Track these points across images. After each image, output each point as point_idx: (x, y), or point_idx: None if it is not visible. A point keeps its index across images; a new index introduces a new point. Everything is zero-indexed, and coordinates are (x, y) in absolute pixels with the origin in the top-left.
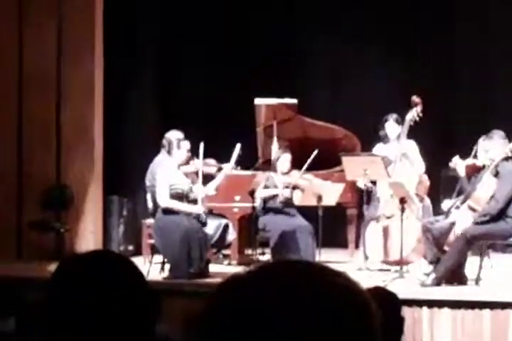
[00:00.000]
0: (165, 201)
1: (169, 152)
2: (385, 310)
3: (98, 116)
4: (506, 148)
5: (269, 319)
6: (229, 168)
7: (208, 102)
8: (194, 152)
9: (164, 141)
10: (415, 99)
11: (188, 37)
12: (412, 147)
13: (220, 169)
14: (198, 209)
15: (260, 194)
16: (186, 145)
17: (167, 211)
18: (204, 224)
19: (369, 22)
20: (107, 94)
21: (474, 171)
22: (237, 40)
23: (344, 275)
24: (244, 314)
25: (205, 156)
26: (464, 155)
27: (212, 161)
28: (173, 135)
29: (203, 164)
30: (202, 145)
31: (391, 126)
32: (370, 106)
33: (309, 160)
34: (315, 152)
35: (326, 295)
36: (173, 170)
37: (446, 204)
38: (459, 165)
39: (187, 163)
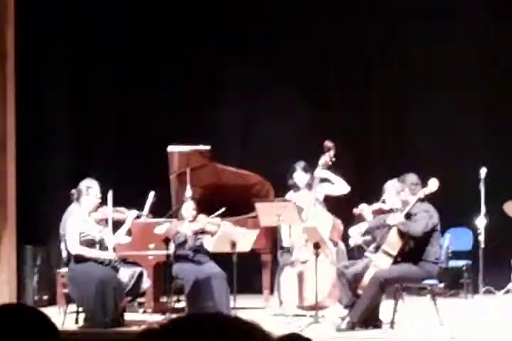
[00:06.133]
0: (75, 248)
1: (77, 199)
2: None
3: (10, 167)
4: (420, 192)
5: None
6: (133, 212)
7: (119, 150)
8: (105, 199)
9: (74, 190)
10: (328, 143)
11: (97, 84)
12: (327, 174)
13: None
14: (109, 255)
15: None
16: (95, 191)
17: (79, 259)
18: (117, 270)
19: (278, 66)
20: (20, 144)
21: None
22: (147, 87)
23: (254, 326)
24: None
25: (120, 204)
26: (374, 200)
27: (122, 209)
28: (84, 183)
29: (112, 211)
30: (110, 193)
31: (299, 176)
32: (281, 151)
33: (217, 212)
34: (222, 209)
35: None
36: (83, 217)
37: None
38: (365, 210)
39: (97, 210)
